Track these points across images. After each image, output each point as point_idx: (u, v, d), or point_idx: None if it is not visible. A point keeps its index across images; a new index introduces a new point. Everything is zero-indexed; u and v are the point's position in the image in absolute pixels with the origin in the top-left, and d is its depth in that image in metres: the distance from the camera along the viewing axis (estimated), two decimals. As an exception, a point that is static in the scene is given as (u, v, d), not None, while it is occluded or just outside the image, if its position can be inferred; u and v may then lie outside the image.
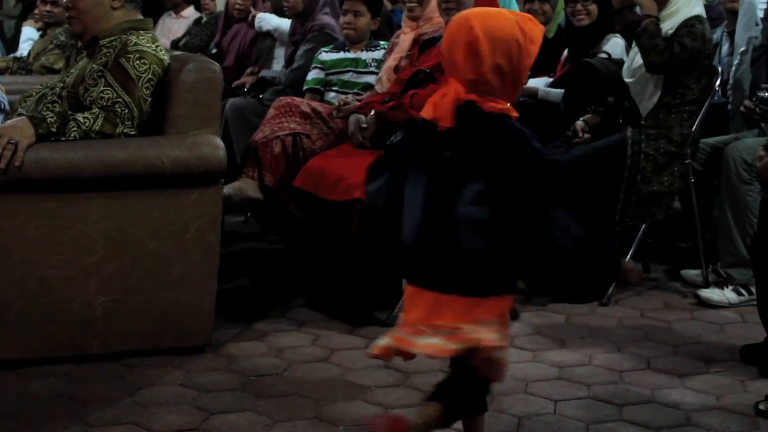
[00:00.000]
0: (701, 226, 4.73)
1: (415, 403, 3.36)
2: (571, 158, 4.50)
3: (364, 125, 4.40)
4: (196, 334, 3.77)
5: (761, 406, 3.32)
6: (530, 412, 3.30)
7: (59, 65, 5.81)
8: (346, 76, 5.14)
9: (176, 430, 3.16)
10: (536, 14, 5.18)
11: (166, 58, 3.84)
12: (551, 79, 5.11)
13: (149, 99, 3.74)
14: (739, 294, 4.47)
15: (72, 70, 3.93)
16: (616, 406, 3.38)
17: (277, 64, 6.24)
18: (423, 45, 4.70)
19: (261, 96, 5.63)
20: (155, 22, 7.04)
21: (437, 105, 2.51)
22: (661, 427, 3.23)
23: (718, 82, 4.76)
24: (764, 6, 5.25)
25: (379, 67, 5.05)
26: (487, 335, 2.45)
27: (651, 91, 4.60)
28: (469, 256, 2.42)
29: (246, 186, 4.52)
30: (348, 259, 4.18)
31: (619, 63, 4.79)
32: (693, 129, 4.59)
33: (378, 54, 5.13)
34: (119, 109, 3.66)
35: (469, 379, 2.58)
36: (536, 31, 2.51)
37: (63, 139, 3.57)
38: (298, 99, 4.87)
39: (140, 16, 3.93)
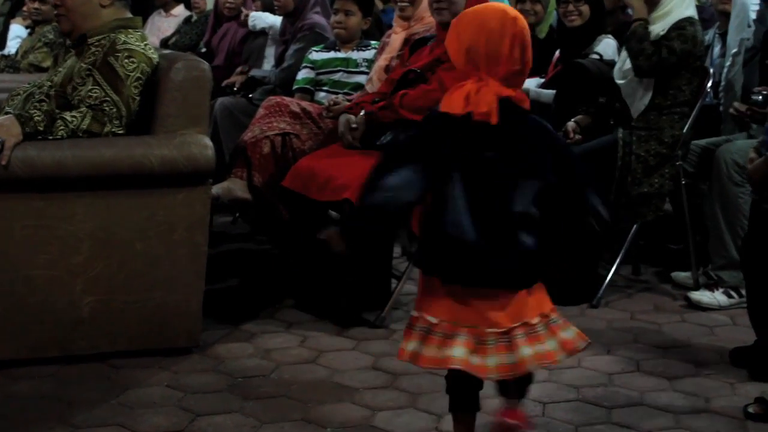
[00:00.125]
0: (692, 228, 4.72)
1: (403, 405, 3.36)
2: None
3: (354, 125, 4.38)
4: (184, 334, 3.75)
5: (750, 409, 3.31)
6: (519, 414, 3.29)
7: (47, 63, 5.79)
8: (337, 76, 5.12)
9: (162, 431, 3.14)
10: (527, 14, 5.18)
11: (155, 56, 3.82)
12: (543, 80, 5.10)
13: (138, 98, 3.73)
14: (730, 296, 4.46)
15: (60, 69, 3.92)
16: (605, 409, 3.36)
17: (268, 64, 6.21)
18: (414, 45, 4.68)
19: (251, 95, 5.60)
20: (145, 21, 7.04)
21: (475, 99, 2.50)
22: (650, 429, 3.22)
23: (709, 84, 4.75)
24: (757, 8, 5.25)
25: (369, 66, 5.03)
26: (572, 328, 2.66)
27: (642, 92, 4.58)
28: (526, 253, 2.51)
29: (235, 186, 4.49)
30: (337, 259, 4.15)
31: (611, 64, 4.78)
32: (684, 131, 4.58)
33: (369, 54, 5.11)
34: (107, 108, 3.64)
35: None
36: None
37: (50, 138, 3.55)
38: (287, 99, 4.85)
39: (129, 15, 3.91)
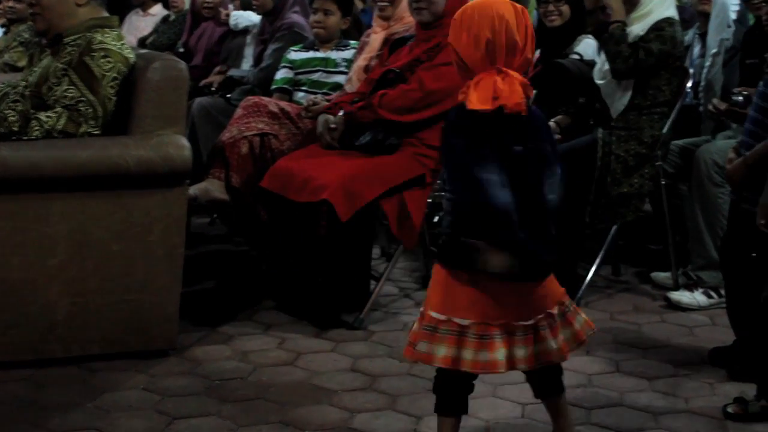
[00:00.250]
0: (672, 229, 4.72)
1: (382, 407, 3.34)
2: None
3: (333, 125, 4.36)
4: (160, 337, 3.72)
5: (730, 409, 3.31)
6: (498, 416, 3.28)
7: (22, 63, 5.73)
8: (315, 76, 5.10)
9: (139, 435, 3.12)
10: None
11: (131, 56, 3.79)
12: (522, 80, 5.08)
13: (114, 98, 3.70)
14: (709, 296, 4.46)
15: (35, 69, 3.89)
16: (585, 410, 3.36)
17: (247, 63, 6.19)
18: (393, 45, 4.66)
19: (229, 95, 5.57)
20: (122, 20, 6.98)
21: (504, 92, 2.51)
22: (629, 430, 3.22)
23: (689, 84, 4.75)
24: (737, 8, 5.25)
25: (348, 66, 5.01)
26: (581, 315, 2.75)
27: (621, 92, 4.58)
28: (555, 243, 2.57)
29: (212, 187, 4.47)
30: (315, 261, 4.14)
31: (591, 64, 4.78)
32: (664, 131, 4.57)
33: (348, 53, 5.09)
34: (83, 108, 3.62)
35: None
36: None
37: (25, 138, 3.52)
38: (266, 99, 4.83)
39: (105, 14, 3.88)
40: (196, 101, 5.52)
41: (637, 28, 4.53)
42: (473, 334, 2.57)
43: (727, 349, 3.75)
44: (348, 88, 4.83)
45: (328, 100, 4.72)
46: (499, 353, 2.57)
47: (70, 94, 3.62)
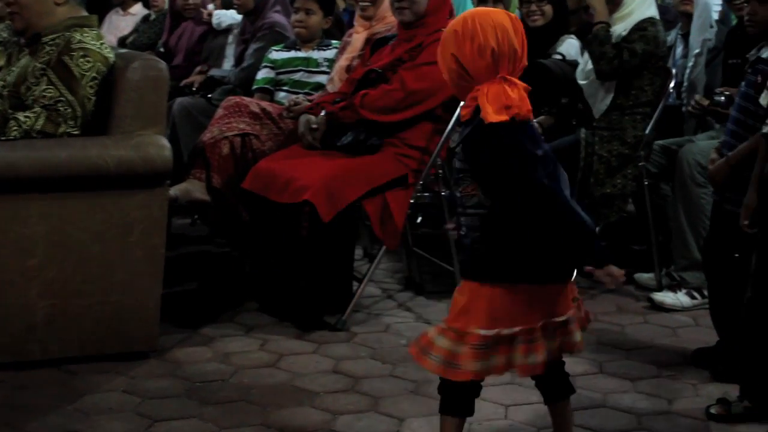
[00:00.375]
0: (655, 229, 4.72)
1: (364, 409, 3.32)
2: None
3: (315, 126, 4.34)
4: (141, 339, 3.70)
5: (713, 410, 3.31)
6: (481, 417, 3.25)
7: (1, 63, 5.68)
8: (297, 76, 5.08)
9: (119, 438, 3.10)
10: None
11: (111, 56, 3.76)
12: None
13: (93, 98, 3.67)
14: (693, 297, 4.46)
15: (13, 68, 3.85)
16: (569, 412, 3.34)
17: (229, 63, 6.16)
18: (375, 44, 4.65)
19: (210, 95, 5.54)
20: (102, 19, 6.94)
21: (513, 101, 2.52)
22: (612, 431, 3.21)
23: (672, 84, 4.76)
24: (719, 8, 5.26)
25: (330, 66, 4.99)
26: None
27: (604, 93, 4.59)
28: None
29: (193, 188, 4.44)
30: (298, 262, 4.11)
31: (574, 64, 4.78)
32: (646, 131, 4.58)
33: (330, 53, 5.07)
34: (62, 108, 3.59)
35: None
36: None
37: (3, 138, 3.50)
38: (247, 99, 4.80)
39: (85, 13, 3.85)
40: (177, 101, 5.49)
41: (620, 28, 4.53)
42: (521, 340, 2.59)
43: (711, 350, 3.75)
44: (330, 88, 4.81)
45: (309, 100, 4.70)
46: (543, 354, 2.61)
47: (49, 94, 3.60)
